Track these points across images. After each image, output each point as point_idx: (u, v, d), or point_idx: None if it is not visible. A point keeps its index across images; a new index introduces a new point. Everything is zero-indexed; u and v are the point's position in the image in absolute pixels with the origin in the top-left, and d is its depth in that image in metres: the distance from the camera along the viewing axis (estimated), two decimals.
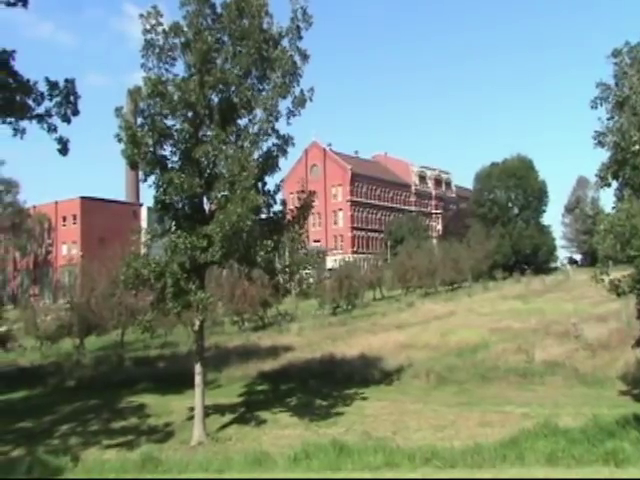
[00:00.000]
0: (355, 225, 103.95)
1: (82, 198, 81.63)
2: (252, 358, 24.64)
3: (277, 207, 16.77)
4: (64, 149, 15.97)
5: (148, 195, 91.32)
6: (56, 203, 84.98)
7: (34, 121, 15.54)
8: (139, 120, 15.47)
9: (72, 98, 15.68)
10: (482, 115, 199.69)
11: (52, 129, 15.68)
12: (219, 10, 15.50)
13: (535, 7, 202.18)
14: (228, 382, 22.12)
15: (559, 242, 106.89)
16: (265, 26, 15.53)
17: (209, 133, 15.36)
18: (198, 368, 15.86)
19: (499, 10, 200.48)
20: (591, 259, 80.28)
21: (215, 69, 15.15)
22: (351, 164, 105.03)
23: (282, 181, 17.98)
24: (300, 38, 15.80)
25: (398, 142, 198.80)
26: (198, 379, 15.80)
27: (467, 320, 33.79)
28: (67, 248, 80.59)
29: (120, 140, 14.98)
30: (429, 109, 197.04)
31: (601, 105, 15.03)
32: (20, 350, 30.10)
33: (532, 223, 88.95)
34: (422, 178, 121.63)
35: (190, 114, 15.23)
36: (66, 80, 15.65)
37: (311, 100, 15.86)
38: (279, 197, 16.91)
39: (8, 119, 15.32)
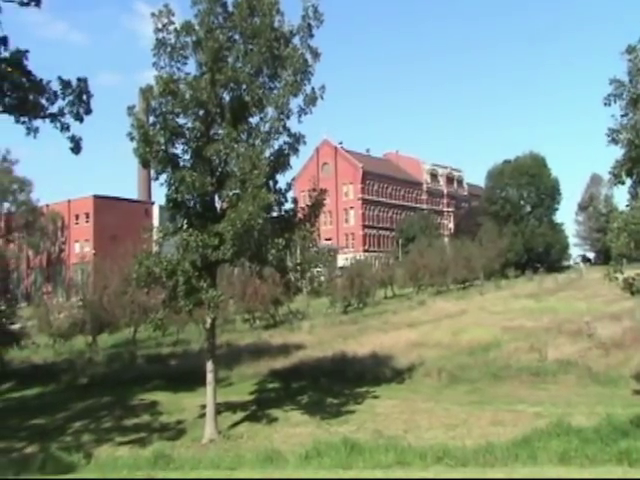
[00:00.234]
0: (366, 223, 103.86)
1: (95, 196, 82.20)
2: (263, 356, 24.63)
3: (288, 205, 16.75)
4: (77, 148, 16.05)
5: (160, 193, 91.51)
6: (69, 201, 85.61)
7: (47, 120, 15.66)
8: (151, 119, 15.50)
9: (84, 97, 15.79)
10: (494, 112, 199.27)
11: (65, 128, 15.77)
12: (230, 9, 15.50)
13: (547, 4, 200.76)
14: (239, 380, 22.11)
15: (572, 240, 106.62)
16: (276, 24, 15.51)
17: (220, 131, 15.36)
18: (210, 366, 15.89)
19: (510, 6, 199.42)
20: (604, 257, 79.68)
21: (226, 67, 15.15)
22: (362, 162, 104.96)
23: (293, 179, 17.95)
24: (311, 36, 15.78)
25: (409, 140, 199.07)
26: (210, 377, 15.83)
27: (479, 318, 33.62)
28: (80, 246, 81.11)
29: (132, 138, 15.05)
30: (441, 107, 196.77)
31: (615, 102, 14.85)
32: (33, 347, 30.23)
33: (545, 221, 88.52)
34: (434, 176, 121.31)
35: (201, 112, 15.26)
36: (78, 79, 15.76)
37: (322, 98, 15.81)
38: (290, 195, 16.88)
39: (22, 118, 15.46)
